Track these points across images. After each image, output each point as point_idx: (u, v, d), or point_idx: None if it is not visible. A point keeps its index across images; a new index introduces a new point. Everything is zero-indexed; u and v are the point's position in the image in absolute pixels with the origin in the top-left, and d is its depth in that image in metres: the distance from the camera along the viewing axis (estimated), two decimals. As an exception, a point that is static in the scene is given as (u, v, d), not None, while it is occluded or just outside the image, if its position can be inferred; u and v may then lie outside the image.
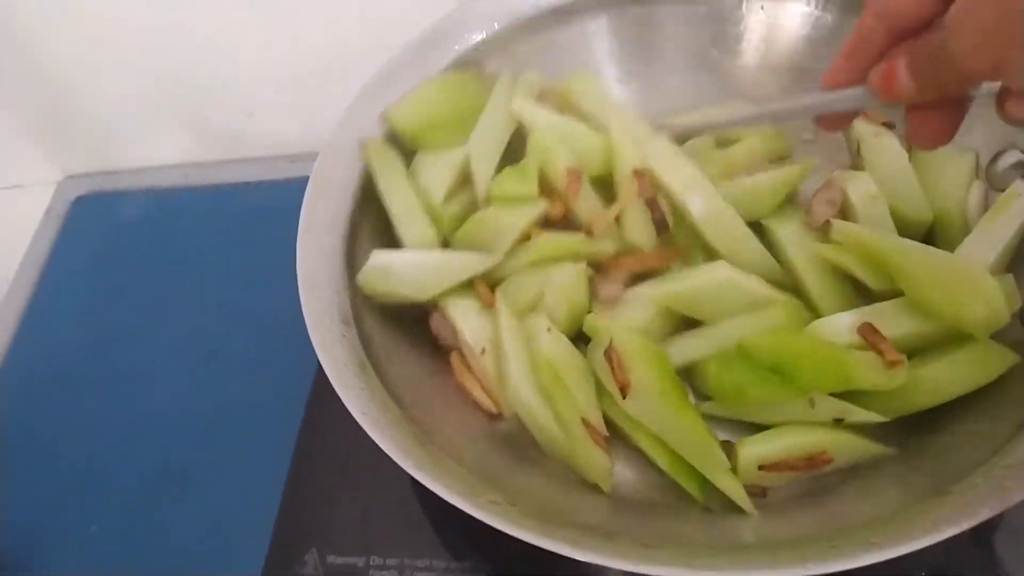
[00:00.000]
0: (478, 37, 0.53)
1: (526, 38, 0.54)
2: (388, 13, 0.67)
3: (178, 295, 0.69)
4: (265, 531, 0.48)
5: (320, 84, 0.71)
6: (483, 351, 0.44)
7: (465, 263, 0.46)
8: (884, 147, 0.49)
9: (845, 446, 0.40)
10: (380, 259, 0.45)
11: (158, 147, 0.79)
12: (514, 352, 0.43)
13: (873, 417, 0.40)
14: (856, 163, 0.50)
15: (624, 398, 0.40)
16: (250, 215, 0.72)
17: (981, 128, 0.46)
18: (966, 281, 0.39)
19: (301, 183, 0.48)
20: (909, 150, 0.49)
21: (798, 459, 0.40)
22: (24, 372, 0.67)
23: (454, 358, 0.46)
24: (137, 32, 0.70)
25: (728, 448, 0.41)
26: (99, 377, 0.65)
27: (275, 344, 0.61)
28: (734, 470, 0.40)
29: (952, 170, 0.48)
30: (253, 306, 0.65)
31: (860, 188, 0.47)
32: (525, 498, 0.37)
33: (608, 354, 0.41)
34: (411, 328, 0.47)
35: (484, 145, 0.49)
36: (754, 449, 0.40)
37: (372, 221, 0.48)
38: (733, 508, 0.39)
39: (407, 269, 0.46)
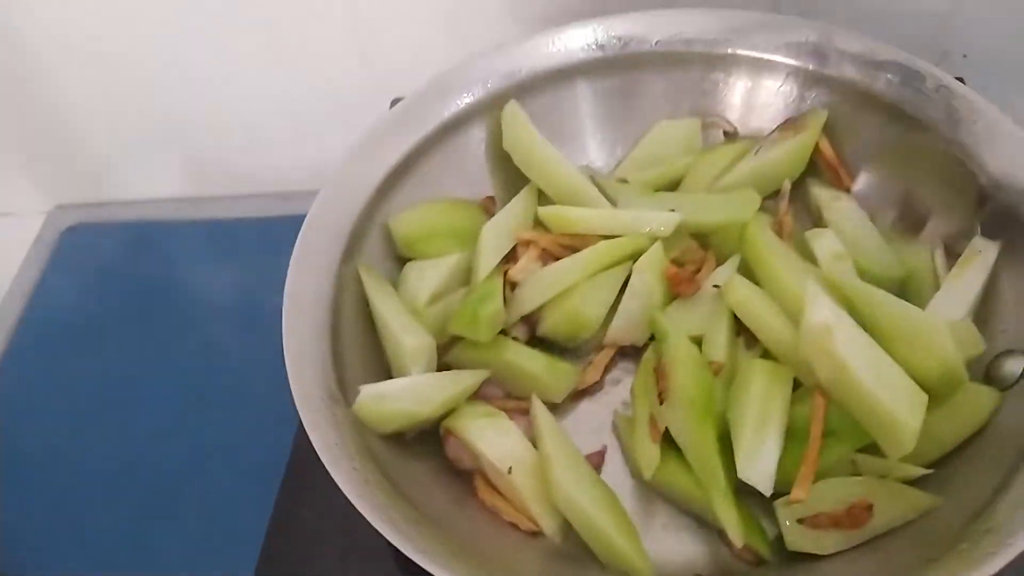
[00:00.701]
0: (469, 99, 0.55)
1: (520, 96, 0.56)
2: (388, 61, 0.69)
3: (166, 330, 0.69)
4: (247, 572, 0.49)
5: (317, 125, 0.73)
6: (510, 470, 0.44)
7: (459, 379, 0.47)
8: (844, 209, 0.52)
9: (888, 496, 0.40)
10: (371, 390, 0.45)
11: (150, 180, 0.79)
12: (559, 454, 0.43)
13: (916, 471, 0.41)
14: (819, 227, 0.52)
15: (661, 403, 0.42)
16: (241, 251, 0.73)
17: (944, 195, 0.50)
18: (925, 334, 0.41)
19: (294, 221, 0.49)
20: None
21: (839, 512, 0.40)
22: (9, 401, 0.67)
23: (479, 483, 0.46)
24: (135, 66, 0.71)
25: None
26: (83, 410, 0.65)
27: (261, 383, 0.61)
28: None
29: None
30: (241, 343, 0.66)
31: (825, 247, 0.48)
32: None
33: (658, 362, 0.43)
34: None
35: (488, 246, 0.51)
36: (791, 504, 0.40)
37: (354, 295, 0.50)
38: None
39: (403, 393, 0.46)
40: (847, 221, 0.51)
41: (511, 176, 0.55)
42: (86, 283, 0.75)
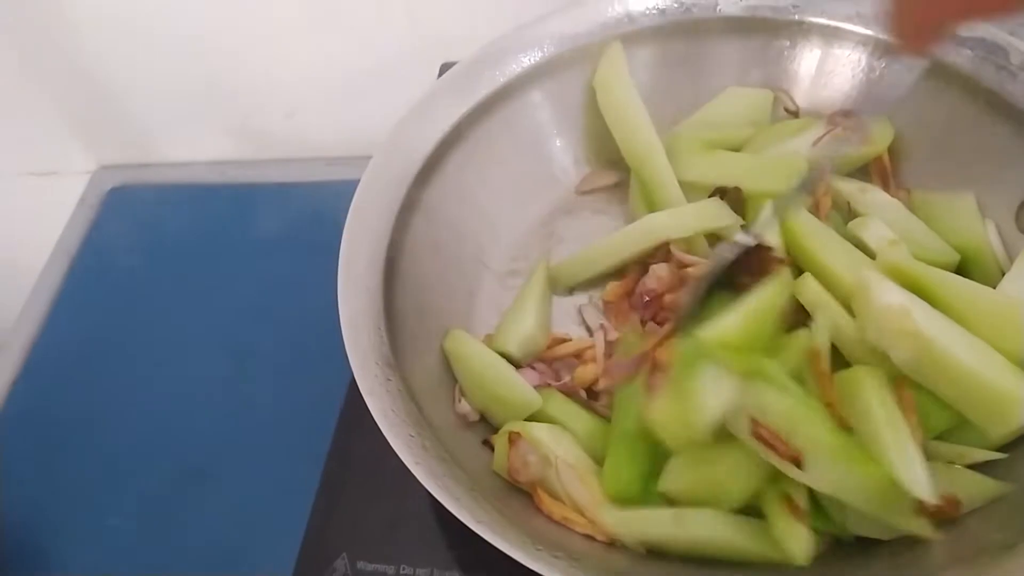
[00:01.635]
0: (525, 63, 0.54)
1: (578, 62, 0.55)
2: (435, 29, 0.68)
3: (209, 292, 0.69)
4: (296, 535, 0.49)
5: (362, 91, 0.73)
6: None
7: None
8: (878, 200, 0.50)
9: (964, 484, 0.39)
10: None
11: (195, 143, 0.79)
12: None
13: (993, 455, 0.39)
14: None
15: (801, 470, 0.36)
16: (285, 216, 0.73)
17: (1013, 171, 0.48)
18: (1003, 313, 0.39)
19: (337, 186, 0.49)
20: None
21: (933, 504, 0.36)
22: (51, 361, 0.67)
23: (541, 498, 0.42)
24: (182, 30, 0.71)
25: None
26: (126, 371, 0.65)
27: (308, 347, 0.62)
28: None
29: (961, 211, 0.49)
30: (286, 308, 0.66)
31: (876, 234, 0.46)
32: (583, 554, 0.38)
33: (756, 431, 0.36)
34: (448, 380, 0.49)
35: None
36: None
37: (410, 258, 0.49)
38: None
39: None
40: (884, 211, 0.49)
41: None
42: (130, 243, 0.76)
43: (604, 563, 0.39)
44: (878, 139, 0.51)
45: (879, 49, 0.53)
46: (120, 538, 0.56)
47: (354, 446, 0.50)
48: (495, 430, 0.47)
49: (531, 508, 0.43)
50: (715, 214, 0.50)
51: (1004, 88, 0.48)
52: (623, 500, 0.41)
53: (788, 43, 0.55)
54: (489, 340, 0.50)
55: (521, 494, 0.43)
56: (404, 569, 0.46)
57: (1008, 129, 0.48)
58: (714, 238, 0.51)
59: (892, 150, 0.52)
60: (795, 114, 0.56)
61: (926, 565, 0.37)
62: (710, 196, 0.51)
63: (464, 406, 0.47)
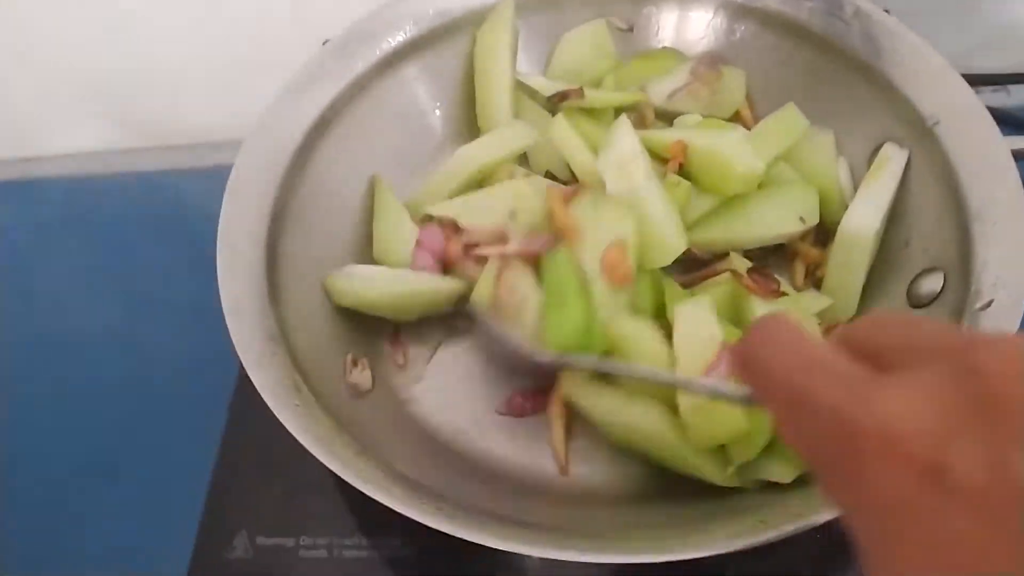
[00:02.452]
0: (400, 37, 0.55)
1: (448, 39, 0.56)
2: (318, 6, 0.68)
3: (99, 285, 0.68)
4: (194, 515, 0.49)
5: (246, 73, 0.71)
6: None
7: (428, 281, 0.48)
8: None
9: None
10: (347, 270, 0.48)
11: (78, 134, 0.77)
12: None
13: None
14: None
15: None
16: (173, 203, 0.72)
17: (865, 122, 0.51)
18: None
19: (225, 171, 0.48)
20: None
21: None
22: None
23: (555, 407, 0.46)
24: (57, 16, 0.69)
25: None
26: (17, 368, 0.64)
27: (198, 333, 0.60)
28: None
29: (819, 146, 0.52)
30: (175, 295, 0.65)
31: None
32: (468, 502, 0.39)
33: None
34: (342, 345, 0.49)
35: None
36: None
37: (291, 234, 0.50)
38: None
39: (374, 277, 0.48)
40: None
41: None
42: (16, 241, 0.73)
43: (495, 510, 0.41)
44: (734, 91, 0.54)
45: (736, 11, 0.55)
46: (17, 537, 0.55)
47: (247, 425, 0.51)
48: (388, 398, 0.48)
49: (422, 471, 0.44)
50: (516, 136, 0.52)
51: (845, 41, 0.51)
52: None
53: (652, 8, 0.57)
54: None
55: (418, 454, 0.45)
56: (304, 540, 0.47)
57: (854, 79, 0.52)
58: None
59: (750, 103, 0.55)
60: (630, 30, 0.58)
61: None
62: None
63: (356, 375, 0.48)
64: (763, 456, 0.41)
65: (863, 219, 0.48)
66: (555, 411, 0.47)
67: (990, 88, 0.70)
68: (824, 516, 0.35)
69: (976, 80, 0.70)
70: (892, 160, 0.49)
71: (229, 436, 0.51)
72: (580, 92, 0.51)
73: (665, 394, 0.42)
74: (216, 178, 0.50)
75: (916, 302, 0.46)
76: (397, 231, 0.51)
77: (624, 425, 0.43)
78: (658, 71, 0.55)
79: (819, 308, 0.48)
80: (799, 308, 0.46)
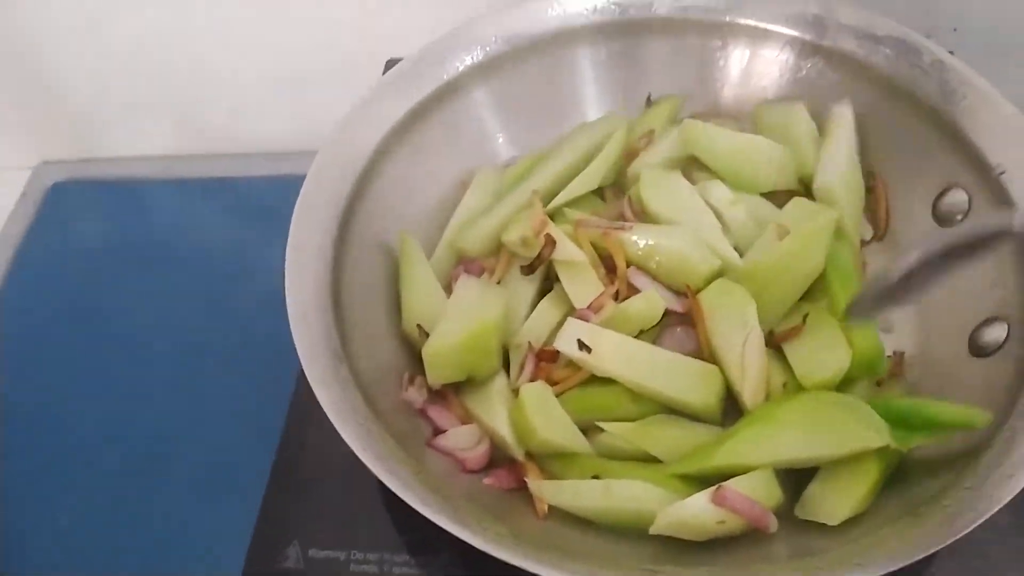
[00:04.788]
0: (468, 61, 0.55)
1: (514, 65, 0.57)
2: (383, 22, 0.69)
3: (155, 288, 0.69)
4: (248, 524, 0.50)
5: (309, 85, 0.73)
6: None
7: None
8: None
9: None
10: None
11: (141, 138, 0.79)
12: None
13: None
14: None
15: None
16: (231, 211, 0.73)
17: (929, 165, 0.51)
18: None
19: (285, 181, 0.50)
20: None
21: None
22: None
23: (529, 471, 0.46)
24: (126, 21, 0.70)
25: None
26: (73, 368, 0.65)
27: (256, 340, 0.62)
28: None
29: (794, 116, 0.54)
30: (234, 301, 0.66)
31: (718, 195, 0.51)
32: (527, 532, 0.40)
33: None
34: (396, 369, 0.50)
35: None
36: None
37: (356, 251, 0.50)
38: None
39: None
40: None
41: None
42: (74, 240, 0.75)
43: (547, 538, 0.41)
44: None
45: (805, 49, 0.55)
46: (73, 536, 0.56)
47: (305, 436, 0.51)
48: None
49: (473, 490, 0.44)
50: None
51: (918, 86, 0.51)
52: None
53: (719, 43, 0.57)
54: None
55: (463, 477, 0.45)
56: (355, 555, 0.47)
57: (922, 124, 0.51)
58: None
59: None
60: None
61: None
62: None
63: (411, 393, 0.49)
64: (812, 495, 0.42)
65: (828, 175, 0.51)
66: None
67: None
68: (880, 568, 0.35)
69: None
70: (840, 117, 0.53)
71: (285, 446, 0.51)
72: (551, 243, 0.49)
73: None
74: (274, 187, 0.50)
75: (979, 351, 0.46)
76: (427, 299, 0.51)
77: (613, 511, 0.43)
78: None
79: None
80: None
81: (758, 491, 0.41)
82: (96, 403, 0.63)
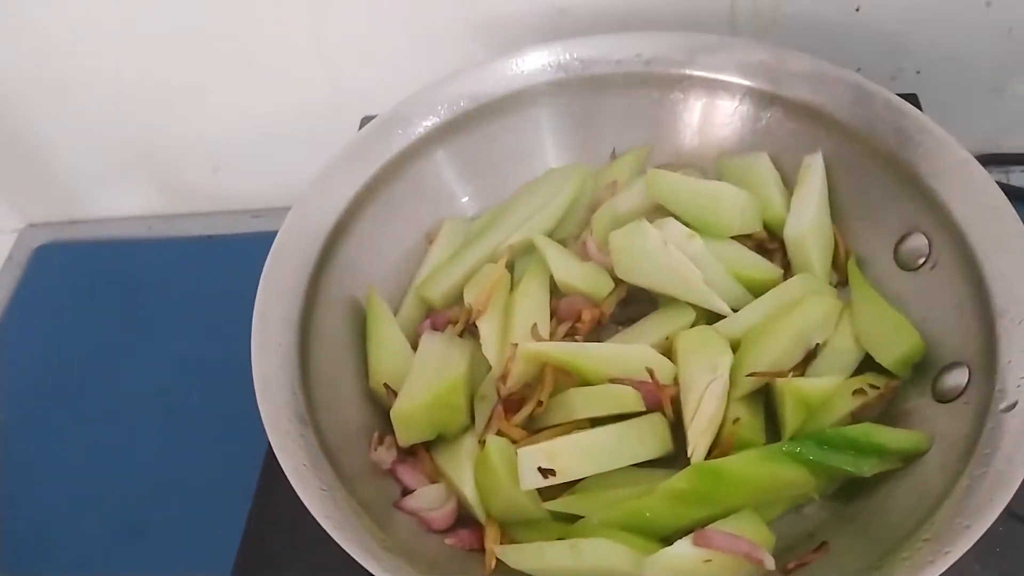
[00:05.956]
0: (432, 121, 0.56)
1: (483, 119, 0.58)
2: (355, 81, 0.70)
3: (138, 347, 0.70)
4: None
5: (285, 143, 0.74)
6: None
7: None
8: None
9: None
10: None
11: (122, 199, 0.80)
12: None
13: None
14: None
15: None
16: (213, 269, 0.74)
17: (889, 210, 0.52)
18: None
19: (264, 238, 0.50)
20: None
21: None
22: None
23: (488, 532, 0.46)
24: (102, 83, 0.72)
25: None
26: (55, 428, 0.66)
27: (236, 400, 0.62)
28: None
29: (759, 168, 0.55)
30: (213, 361, 0.66)
31: (674, 232, 0.51)
32: None
33: None
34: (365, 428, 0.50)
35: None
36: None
37: (325, 311, 0.51)
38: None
39: None
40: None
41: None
42: (60, 301, 0.76)
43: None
44: None
45: (763, 99, 0.56)
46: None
47: (275, 499, 0.51)
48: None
49: (442, 555, 0.44)
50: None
51: (874, 131, 0.52)
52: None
53: (680, 95, 0.58)
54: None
55: (431, 542, 0.45)
56: (330, 621, 0.47)
57: (881, 170, 0.52)
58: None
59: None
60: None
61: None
62: None
63: (379, 454, 0.49)
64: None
65: (800, 223, 0.53)
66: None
67: (1020, 168, 0.70)
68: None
69: (1006, 160, 0.71)
70: (812, 167, 0.54)
71: (255, 512, 0.51)
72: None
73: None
74: (255, 244, 0.51)
75: (941, 397, 0.46)
76: (393, 357, 0.51)
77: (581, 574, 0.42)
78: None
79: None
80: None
81: (744, 531, 0.41)
82: (78, 461, 0.64)
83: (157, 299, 0.74)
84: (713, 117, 0.58)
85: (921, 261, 0.50)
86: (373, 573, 0.38)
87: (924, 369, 0.48)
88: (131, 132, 0.75)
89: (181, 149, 0.76)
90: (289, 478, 0.41)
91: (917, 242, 0.51)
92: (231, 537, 0.51)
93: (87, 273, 0.78)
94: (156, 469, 0.62)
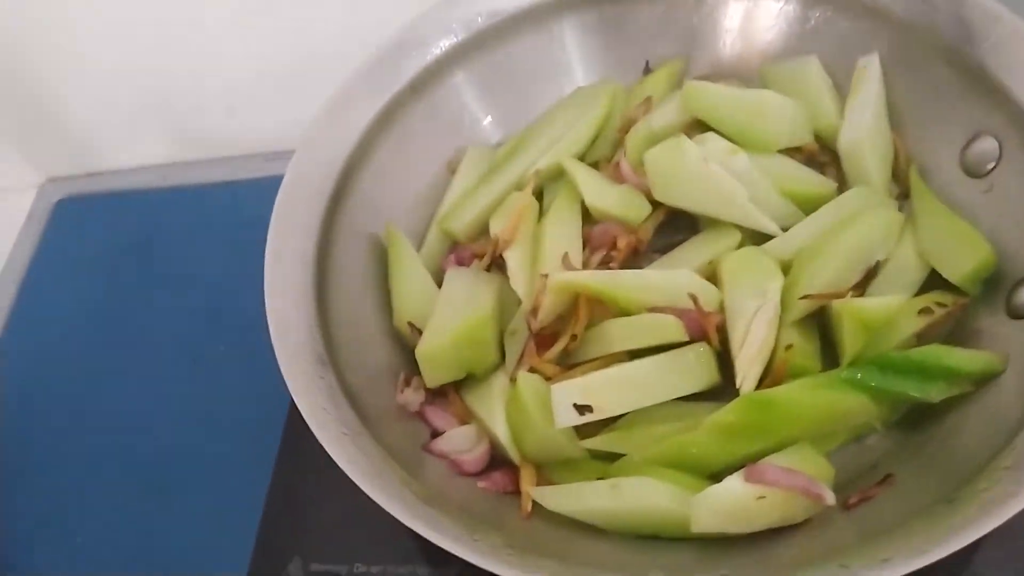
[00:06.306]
0: (448, 42, 0.53)
1: (503, 37, 0.54)
2: (368, 14, 0.66)
3: (162, 298, 0.69)
4: (249, 538, 0.48)
5: (300, 82, 0.70)
6: None
7: None
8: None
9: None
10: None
11: (138, 149, 0.78)
12: None
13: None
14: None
15: None
16: (231, 214, 0.72)
17: (954, 112, 0.47)
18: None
19: (281, 180, 0.48)
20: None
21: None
22: (7, 376, 0.67)
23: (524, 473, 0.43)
24: (114, 34, 0.70)
25: None
26: (82, 382, 0.65)
27: (258, 347, 0.60)
28: None
29: (808, 74, 0.51)
30: (236, 308, 0.63)
31: (715, 148, 0.46)
32: (522, 539, 0.37)
33: None
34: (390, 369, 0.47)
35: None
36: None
37: (342, 250, 0.48)
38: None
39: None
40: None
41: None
42: (82, 254, 0.75)
43: (546, 545, 0.39)
44: None
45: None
46: (80, 547, 0.56)
47: (301, 448, 0.50)
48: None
49: (474, 499, 0.42)
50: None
51: (935, 26, 0.47)
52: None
53: (718, -3, 0.53)
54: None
55: (463, 486, 0.43)
56: (358, 568, 0.46)
57: (943, 69, 0.47)
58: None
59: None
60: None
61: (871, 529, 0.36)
62: None
63: (406, 395, 0.46)
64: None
65: (855, 131, 0.48)
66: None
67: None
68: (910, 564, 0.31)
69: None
70: (867, 70, 0.49)
71: (283, 459, 0.50)
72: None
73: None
74: (273, 187, 0.49)
75: (1016, 313, 0.42)
76: (417, 294, 0.48)
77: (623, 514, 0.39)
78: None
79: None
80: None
81: (800, 465, 0.38)
82: (106, 414, 0.63)
83: (178, 249, 0.73)
84: (755, 20, 0.53)
85: (991, 166, 0.45)
86: (397, 517, 0.36)
87: (996, 284, 0.43)
88: (143, 79, 0.73)
89: (195, 93, 0.74)
90: (307, 421, 0.39)
91: (986, 145, 0.46)
92: (256, 500, 0.50)
93: (108, 225, 0.76)
94: (183, 421, 0.61)
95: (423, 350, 0.45)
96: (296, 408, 0.51)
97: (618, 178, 0.49)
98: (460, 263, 0.49)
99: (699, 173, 0.45)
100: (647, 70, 0.55)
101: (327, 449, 0.38)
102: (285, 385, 0.52)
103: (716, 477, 0.38)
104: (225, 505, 0.53)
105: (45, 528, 0.58)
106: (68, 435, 0.62)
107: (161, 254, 0.72)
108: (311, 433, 0.42)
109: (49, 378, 0.66)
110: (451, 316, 0.45)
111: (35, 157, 0.81)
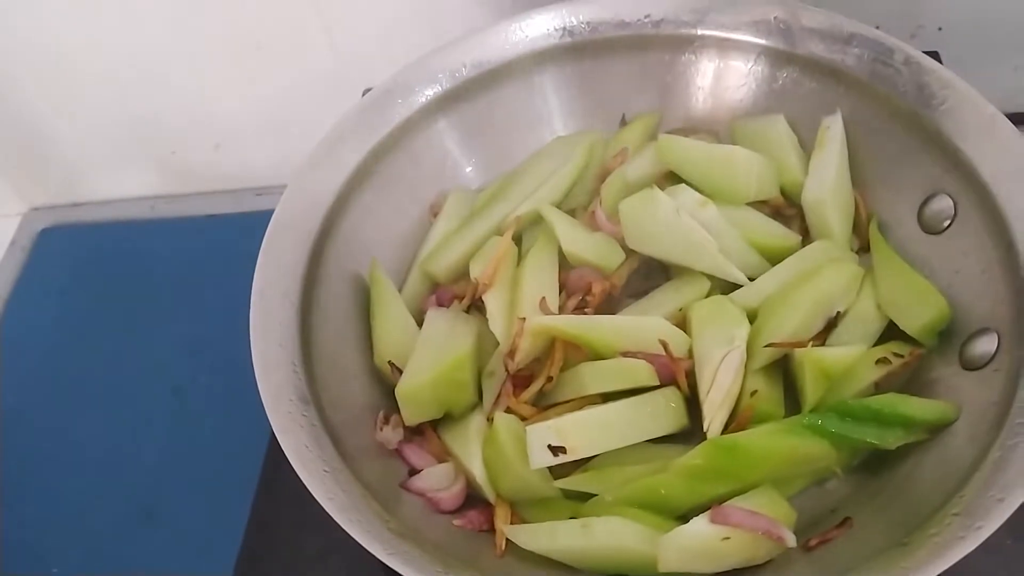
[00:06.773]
0: (434, 90, 0.55)
1: (486, 87, 0.56)
2: (357, 52, 0.69)
3: (143, 329, 0.70)
4: (227, 570, 0.49)
5: (288, 118, 0.73)
6: None
7: None
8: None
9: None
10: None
11: (125, 180, 0.79)
12: None
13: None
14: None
15: None
16: (216, 248, 0.73)
17: (912, 171, 0.49)
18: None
19: (268, 216, 0.49)
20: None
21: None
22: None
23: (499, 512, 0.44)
24: (105, 66, 0.71)
25: None
26: (62, 412, 0.66)
27: (241, 380, 0.61)
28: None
29: (774, 131, 0.53)
30: (217, 340, 0.65)
31: (686, 199, 0.49)
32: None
33: None
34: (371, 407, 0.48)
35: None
36: None
37: (326, 289, 0.49)
38: None
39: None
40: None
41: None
42: (64, 284, 0.75)
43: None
44: None
45: (779, 58, 0.54)
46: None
47: (281, 477, 0.50)
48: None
49: (450, 537, 0.43)
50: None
51: (895, 89, 0.49)
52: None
53: (692, 57, 0.56)
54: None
55: (439, 523, 0.44)
56: (337, 601, 0.46)
57: (902, 130, 0.50)
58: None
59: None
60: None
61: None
62: None
63: (385, 433, 0.48)
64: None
65: (819, 187, 0.50)
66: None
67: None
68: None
69: (1033, 119, 0.68)
70: (831, 129, 0.52)
71: (262, 491, 0.51)
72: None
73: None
74: (258, 222, 0.50)
75: (969, 365, 0.44)
76: (398, 334, 0.50)
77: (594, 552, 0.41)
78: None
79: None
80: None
81: (764, 508, 0.39)
82: (90, 446, 0.63)
83: (162, 280, 0.73)
84: (726, 79, 0.55)
85: (946, 223, 0.48)
86: (374, 553, 0.37)
87: (951, 336, 0.46)
88: (132, 112, 0.74)
89: (182, 127, 0.75)
90: (290, 459, 0.40)
91: (942, 204, 0.48)
92: (235, 532, 0.50)
93: (91, 255, 0.77)
94: (163, 451, 0.61)
95: (403, 389, 0.46)
96: (274, 444, 0.53)
97: (594, 226, 0.51)
98: (441, 304, 0.51)
99: (671, 223, 0.48)
100: (623, 122, 0.58)
101: (308, 486, 0.39)
102: (266, 421, 0.54)
103: (684, 518, 0.40)
104: (207, 534, 0.54)
105: (20, 556, 0.57)
106: (43, 467, 0.62)
107: (145, 285, 0.73)
108: (291, 465, 0.43)
109: (29, 406, 0.67)
110: (431, 356, 0.47)
111: (19, 185, 0.81)
